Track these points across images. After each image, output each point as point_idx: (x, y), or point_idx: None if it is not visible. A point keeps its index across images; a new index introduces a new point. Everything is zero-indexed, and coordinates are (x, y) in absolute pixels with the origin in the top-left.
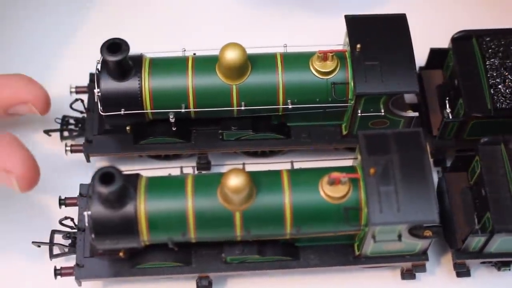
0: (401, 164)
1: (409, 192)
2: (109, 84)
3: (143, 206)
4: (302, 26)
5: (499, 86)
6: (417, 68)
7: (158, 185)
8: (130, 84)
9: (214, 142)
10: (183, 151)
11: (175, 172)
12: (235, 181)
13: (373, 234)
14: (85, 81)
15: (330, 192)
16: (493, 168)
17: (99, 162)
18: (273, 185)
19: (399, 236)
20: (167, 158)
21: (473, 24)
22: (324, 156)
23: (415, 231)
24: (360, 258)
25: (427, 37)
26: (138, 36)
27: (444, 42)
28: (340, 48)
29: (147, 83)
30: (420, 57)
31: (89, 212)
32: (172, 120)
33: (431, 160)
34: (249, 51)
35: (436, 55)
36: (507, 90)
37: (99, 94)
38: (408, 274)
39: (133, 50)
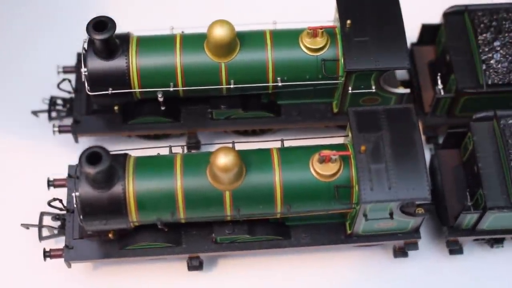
0: (392, 141)
1: (401, 169)
2: (96, 63)
3: (131, 186)
4: (292, 2)
5: (491, 62)
6: (409, 44)
7: (147, 165)
8: (117, 63)
9: (203, 121)
10: (172, 130)
11: (165, 151)
12: (223, 160)
13: (364, 212)
14: (73, 61)
15: (320, 170)
16: (486, 144)
17: (88, 143)
18: (263, 164)
19: (391, 214)
20: (156, 137)
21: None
22: (315, 134)
23: (407, 208)
24: (352, 237)
25: (419, 12)
26: (126, 14)
27: (436, 18)
28: (330, 24)
29: (135, 62)
30: (412, 33)
31: (77, 193)
32: (161, 99)
33: (423, 137)
34: (238, 28)
35: (427, 31)
36: (499, 65)
37: (86, 73)
38: (400, 252)
39: (121, 29)
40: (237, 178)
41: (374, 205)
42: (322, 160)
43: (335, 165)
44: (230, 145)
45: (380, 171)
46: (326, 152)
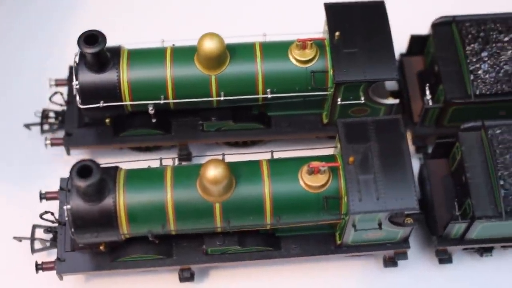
0: (380, 152)
1: (389, 180)
2: (87, 77)
3: (122, 198)
4: (281, 14)
5: (479, 72)
6: (398, 55)
7: (137, 177)
8: (108, 76)
9: (194, 133)
10: (164, 142)
11: (156, 163)
12: (213, 172)
13: (353, 223)
14: (66, 74)
15: (309, 182)
16: (473, 154)
17: (79, 155)
18: (253, 176)
19: (380, 225)
20: (148, 149)
21: (454, 10)
22: (305, 145)
23: (396, 219)
24: (342, 247)
25: (408, 23)
26: (118, 27)
27: (425, 29)
28: (319, 36)
29: (125, 75)
30: (401, 44)
31: (68, 206)
32: (152, 112)
33: (412, 147)
34: (228, 40)
35: (416, 41)
36: (487, 76)
37: (77, 86)
38: (390, 262)
39: (113, 42)
40: (227, 190)
41: (363, 216)
42: (311, 172)
43: (324, 176)
44: (220, 157)
45: (368, 181)
46: (315, 164)
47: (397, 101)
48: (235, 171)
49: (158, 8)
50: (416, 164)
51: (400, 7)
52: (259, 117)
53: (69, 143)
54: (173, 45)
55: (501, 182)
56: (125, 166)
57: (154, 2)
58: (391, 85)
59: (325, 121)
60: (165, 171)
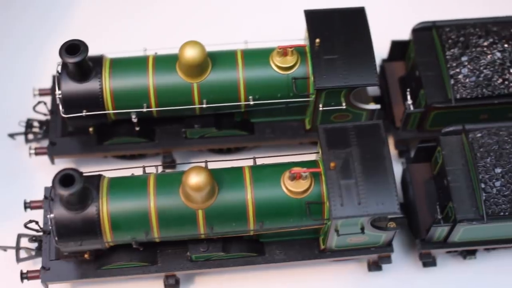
0: (361, 157)
1: (370, 184)
2: (70, 86)
3: (105, 207)
4: (263, 22)
5: (459, 76)
6: (380, 61)
7: (120, 185)
8: (91, 85)
9: (178, 141)
10: (147, 150)
11: (140, 171)
12: (195, 179)
13: (335, 228)
14: (50, 84)
15: (292, 187)
16: (455, 158)
17: (64, 164)
18: (235, 182)
19: (362, 229)
20: (132, 157)
21: (434, 16)
22: (289, 151)
23: (378, 223)
24: (326, 252)
25: (389, 29)
26: (101, 37)
27: (406, 34)
28: (301, 43)
29: (108, 84)
30: (383, 50)
31: (52, 215)
32: (135, 120)
33: (395, 152)
34: (210, 48)
35: (397, 47)
36: (467, 80)
37: (60, 96)
38: (374, 266)
39: (96, 51)
40: (210, 196)
41: (345, 221)
42: (293, 177)
43: (306, 182)
44: (203, 164)
45: (349, 186)
46: (296, 169)
47: (378, 106)
48: (218, 178)
49: (140, 17)
50: (399, 169)
51: (381, 13)
52: (242, 124)
53: (53, 152)
54: (156, 53)
55: (482, 185)
56: (109, 174)
57: (136, 11)
58: (373, 90)
59: (307, 127)
60: (148, 179)
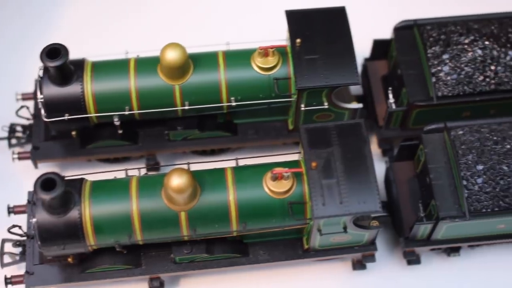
0: (343, 156)
1: (351, 184)
2: (52, 90)
3: (87, 210)
4: (245, 22)
5: (441, 74)
6: (362, 59)
7: (102, 188)
8: (72, 89)
9: (161, 143)
10: (131, 153)
11: (123, 174)
12: (177, 181)
13: (318, 227)
14: (32, 88)
15: (274, 188)
16: (437, 155)
17: (48, 168)
18: (217, 183)
19: (345, 228)
20: (116, 160)
21: (416, 14)
22: (272, 152)
23: (361, 222)
24: (309, 252)
25: (372, 28)
26: (84, 40)
27: (388, 33)
28: (281, 43)
29: (90, 87)
30: (365, 49)
31: (34, 220)
32: (117, 123)
33: (379, 151)
34: (192, 50)
35: (379, 45)
36: (448, 78)
37: (42, 100)
38: (359, 265)
39: (79, 55)
40: (192, 198)
41: (327, 220)
42: (275, 178)
43: (288, 182)
44: (185, 166)
45: (331, 186)
46: (278, 170)
47: (360, 105)
48: (200, 179)
49: (123, 21)
50: (382, 167)
51: (363, 12)
52: (225, 125)
53: (36, 156)
54: (138, 56)
55: (464, 183)
56: (92, 177)
57: (118, 15)
58: (356, 89)
59: (290, 127)
60: (130, 182)
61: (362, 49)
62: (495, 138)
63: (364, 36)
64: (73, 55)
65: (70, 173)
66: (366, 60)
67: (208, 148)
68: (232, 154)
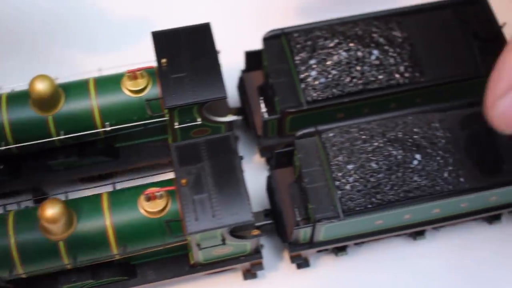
0: (213, 170)
1: (223, 196)
2: None
3: None
4: (117, 47)
5: (309, 79)
6: (239, 72)
7: None
8: None
9: (44, 174)
10: (13, 188)
11: (12, 207)
12: (49, 212)
13: (197, 242)
14: None
15: (149, 208)
16: (310, 159)
17: None
18: (93, 210)
19: (223, 240)
20: (5, 195)
21: (288, 22)
22: (158, 171)
23: (242, 232)
24: (196, 267)
25: (245, 40)
26: None
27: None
28: (150, 65)
29: None
30: (240, 61)
31: None
32: None
33: (261, 160)
34: (66, 79)
35: (252, 56)
36: (316, 82)
37: None
38: (249, 274)
39: None
40: (68, 227)
41: (203, 234)
42: (148, 198)
43: (163, 201)
44: (62, 196)
45: (203, 201)
46: (150, 190)
47: (235, 118)
48: (76, 207)
49: None
50: (265, 176)
51: (234, 25)
52: (105, 150)
53: None
54: (13, 90)
55: (337, 183)
56: None
57: None
58: (235, 102)
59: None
60: (7, 217)
61: (237, 61)
62: (363, 137)
63: (237, 48)
64: None
65: None
66: (243, 71)
67: (94, 174)
68: (116, 178)
